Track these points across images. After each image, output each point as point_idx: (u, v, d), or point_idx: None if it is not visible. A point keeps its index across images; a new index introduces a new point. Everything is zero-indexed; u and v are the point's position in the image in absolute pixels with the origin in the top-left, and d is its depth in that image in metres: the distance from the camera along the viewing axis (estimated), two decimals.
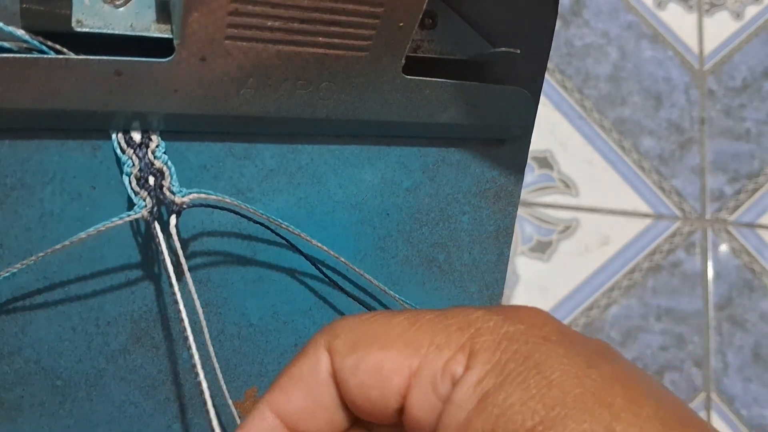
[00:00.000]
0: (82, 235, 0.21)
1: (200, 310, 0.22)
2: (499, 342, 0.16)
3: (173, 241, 0.22)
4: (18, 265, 0.21)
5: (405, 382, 0.16)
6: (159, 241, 0.21)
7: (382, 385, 0.16)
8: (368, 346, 0.17)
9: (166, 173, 0.22)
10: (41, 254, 0.21)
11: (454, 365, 0.16)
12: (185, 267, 0.22)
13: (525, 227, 0.73)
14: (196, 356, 0.20)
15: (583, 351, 0.16)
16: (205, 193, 0.22)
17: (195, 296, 0.22)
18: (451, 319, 0.17)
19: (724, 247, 0.75)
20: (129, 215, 0.21)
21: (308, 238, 0.24)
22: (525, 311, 0.17)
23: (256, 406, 0.18)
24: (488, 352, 0.16)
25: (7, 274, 0.21)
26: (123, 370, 0.23)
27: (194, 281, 0.24)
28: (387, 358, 0.16)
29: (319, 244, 0.24)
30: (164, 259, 0.21)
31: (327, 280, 0.26)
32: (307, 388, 0.17)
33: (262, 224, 0.24)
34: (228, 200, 0.23)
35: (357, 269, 0.25)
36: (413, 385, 0.16)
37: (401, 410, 0.17)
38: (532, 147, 0.29)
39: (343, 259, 0.25)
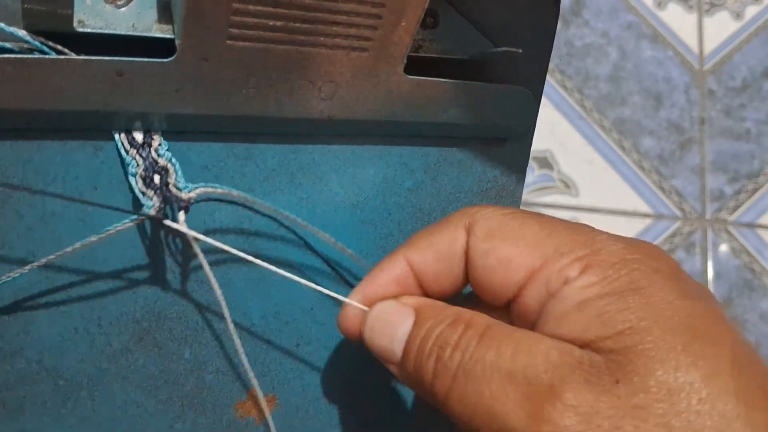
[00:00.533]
0: (93, 238, 0.21)
1: (221, 299, 0.22)
2: (614, 264, 0.18)
3: (185, 235, 0.21)
4: (26, 268, 0.21)
5: (525, 278, 0.19)
6: (181, 232, 0.21)
7: (507, 275, 0.19)
8: (503, 239, 0.19)
9: (171, 170, 0.21)
10: (51, 257, 0.21)
11: (569, 270, 0.18)
12: (203, 259, 0.22)
13: None
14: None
15: (684, 286, 0.18)
16: (211, 187, 0.22)
17: (216, 286, 0.22)
18: (579, 233, 0.19)
19: (724, 247, 0.75)
20: (139, 216, 0.21)
21: (315, 230, 0.24)
22: (645, 245, 0.19)
23: (392, 254, 0.21)
24: (602, 268, 0.18)
25: (10, 277, 0.21)
26: (125, 370, 0.23)
27: (196, 281, 0.24)
28: (516, 254, 0.19)
29: (326, 236, 0.24)
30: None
31: (328, 280, 0.26)
32: (442, 256, 0.20)
33: (269, 216, 0.24)
34: (234, 194, 0.23)
35: (362, 261, 0.25)
36: (531, 281, 0.19)
37: (512, 299, 0.19)
38: (532, 147, 0.29)
39: (350, 251, 0.25)
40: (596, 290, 0.18)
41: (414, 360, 0.19)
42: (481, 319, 0.19)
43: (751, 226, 0.75)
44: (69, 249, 0.21)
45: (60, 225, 0.22)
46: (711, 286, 0.74)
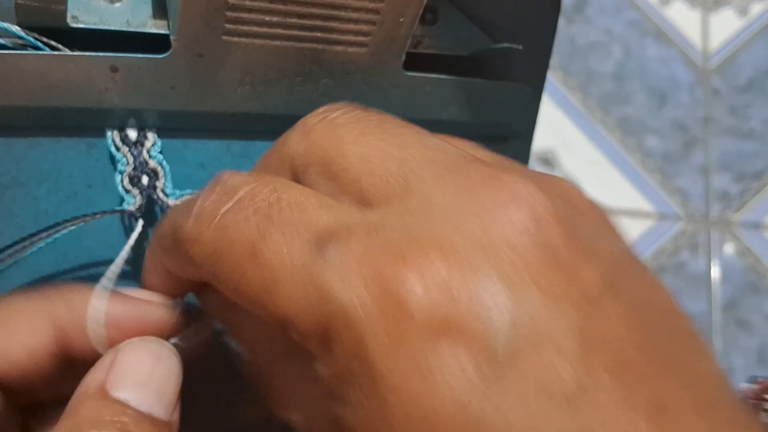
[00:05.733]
0: (68, 224, 0.20)
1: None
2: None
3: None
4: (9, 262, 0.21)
5: None
6: (136, 236, 0.21)
7: None
8: None
9: (160, 174, 0.21)
10: (27, 242, 0.20)
11: None
12: None
13: None
14: None
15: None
16: None
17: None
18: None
19: (728, 248, 0.74)
20: (116, 209, 0.21)
21: None
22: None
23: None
24: None
25: None
26: None
27: None
28: None
29: None
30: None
31: None
32: None
33: None
34: None
35: None
36: None
37: None
38: (534, 146, 0.28)
39: None
40: None
41: None
42: None
43: (755, 226, 0.75)
44: (45, 235, 0.20)
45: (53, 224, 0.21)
46: (716, 288, 0.74)
